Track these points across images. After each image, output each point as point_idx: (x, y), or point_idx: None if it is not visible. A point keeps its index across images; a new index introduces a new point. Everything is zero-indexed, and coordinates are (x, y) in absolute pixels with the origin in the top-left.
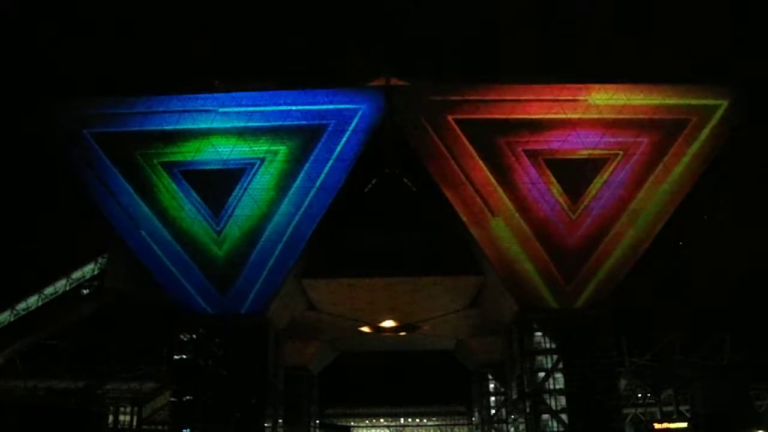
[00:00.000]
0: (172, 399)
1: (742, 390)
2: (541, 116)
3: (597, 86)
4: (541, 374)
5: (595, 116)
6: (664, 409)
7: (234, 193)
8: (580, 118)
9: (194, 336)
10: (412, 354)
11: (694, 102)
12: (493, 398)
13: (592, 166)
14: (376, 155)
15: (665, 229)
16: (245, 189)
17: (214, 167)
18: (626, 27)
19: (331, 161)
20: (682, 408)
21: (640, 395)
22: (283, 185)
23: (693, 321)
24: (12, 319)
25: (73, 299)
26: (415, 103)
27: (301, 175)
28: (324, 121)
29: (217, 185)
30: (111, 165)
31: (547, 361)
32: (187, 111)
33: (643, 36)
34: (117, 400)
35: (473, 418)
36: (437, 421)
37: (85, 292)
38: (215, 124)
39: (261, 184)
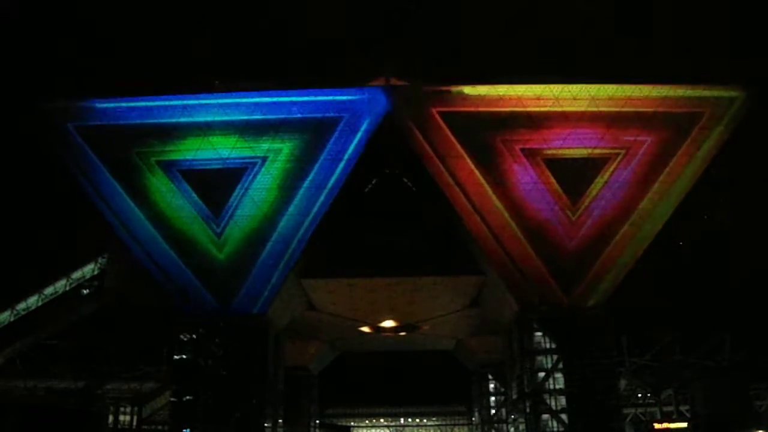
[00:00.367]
0: (172, 399)
1: (742, 390)
2: (541, 116)
3: (598, 86)
4: (541, 374)
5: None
6: (664, 409)
7: (234, 193)
8: (580, 118)
9: (194, 336)
10: (412, 354)
11: (703, 100)
12: (493, 398)
13: (593, 165)
14: (376, 155)
15: (665, 229)
16: (245, 189)
17: (214, 167)
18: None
19: (331, 161)
20: (682, 408)
21: (640, 395)
22: (283, 185)
23: (693, 321)
24: (12, 319)
25: (73, 299)
26: (415, 103)
27: (301, 175)
28: (324, 121)
29: (216, 185)
30: (108, 164)
31: (547, 361)
32: (187, 110)
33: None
34: (117, 400)
35: (473, 418)
36: (437, 421)
37: (85, 292)
38: (215, 124)
39: (261, 184)
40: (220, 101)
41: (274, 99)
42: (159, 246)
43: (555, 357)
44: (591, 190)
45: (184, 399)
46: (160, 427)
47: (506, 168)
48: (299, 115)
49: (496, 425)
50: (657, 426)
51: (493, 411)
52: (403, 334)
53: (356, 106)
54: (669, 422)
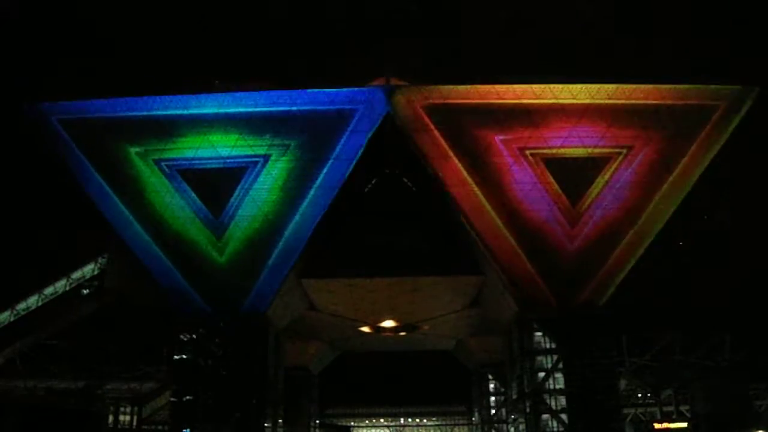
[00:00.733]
0: (172, 399)
1: (742, 390)
2: (541, 116)
3: (598, 85)
4: (541, 374)
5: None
6: (664, 409)
7: (234, 194)
8: (580, 118)
9: (194, 336)
10: (412, 354)
11: (704, 100)
12: (493, 398)
13: (593, 165)
14: (376, 155)
15: (665, 228)
16: (245, 189)
17: (214, 166)
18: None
19: (331, 161)
20: (682, 408)
21: (640, 395)
22: (283, 185)
23: (693, 321)
24: (12, 319)
25: (73, 299)
26: (415, 103)
27: (301, 175)
28: (324, 121)
29: (216, 185)
30: (99, 162)
31: (547, 361)
32: (186, 109)
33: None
34: (117, 400)
35: (473, 418)
36: (437, 421)
37: (85, 292)
38: (214, 124)
39: (260, 184)
40: (220, 101)
41: (274, 99)
42: (157, 247)
43: (555, 357)
44: (592, 190)
45: (184, 399)
46: (160, 427)
47: (506, 168)
48: (299, 115)
49: (496, 425)
50: (657, 426)
51: (493, 411)
52: (403, 334)
53: (356, 106)
54: (669, 422)
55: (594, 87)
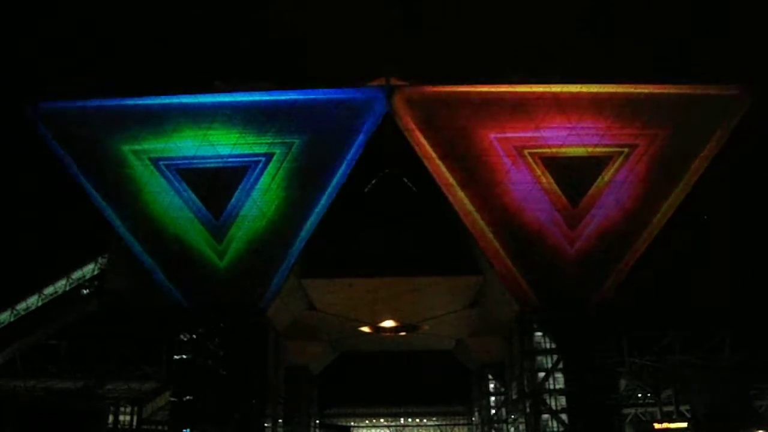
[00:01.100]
0: (172, 399)
1: (742, 390)
2: (541, 115)
3: (598, 85)
4: (541, 374)
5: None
6: (664, 409)
7: (235, 194)
8: (581, 117)
9: (194, 336)
10: (412, 354)
11: (704, 99)
12: (493, 398)
13: (594, 165)
14: (376, 155)
15: (665, 228)
16: (246, 189)
17: (213, 166)
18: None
19: (331, 161)
20: (682, 408)
21: (640, 395)
22: (282, 185)
23: (693, 321)
24: (12, 319)
25: (73, 299)
26: (415, 103)
27: (301, 174)
28: (324, 121)
29: (215, 184)
30: (102, 162)
31: (547, 361)
32: (185, 109)
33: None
34: (117, 400)
35: (473, 418)
36: (437, 421)
37: (85, 292)
38: (214, 123)
39: (260, 183)
40: (220, 100)
41: (274, 98)
42: (156, 247)
43: (555, 357)
44: (592, 189)
45: (184, 399)
46: (160, 427)
47: (506, 168)
48: (299, 115)
49: (496, 425)
50: (657, 426)
51: (493, 411)
52: (403, 334)
53: (356, 106)
54: (669, 422)
55: (594, 86)
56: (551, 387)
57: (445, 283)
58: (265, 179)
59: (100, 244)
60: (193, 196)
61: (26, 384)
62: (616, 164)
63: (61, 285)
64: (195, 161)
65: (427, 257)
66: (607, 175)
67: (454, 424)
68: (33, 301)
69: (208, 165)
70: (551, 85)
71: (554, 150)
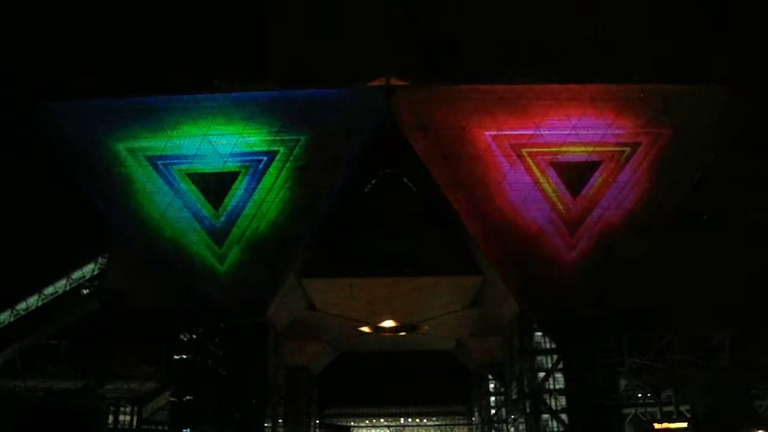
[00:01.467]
0: (172, 399)
1: (742, 390)
2: (541, 116)
3: (598, 85)
4: (541, 374)
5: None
6: (664, 409)
7: (232, 194)
8: (581, 118)
9: (194, 336)
10: (412, 354)
11: (704, 99)
12: (493, 398)
13: (594, 165)
14: (376, 155)
15: (665, 228)
16: (244, 189)
17: (213, 166)
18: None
19: (331, 161)
20: (682, 408)
21: (640, 395)
22: (282, 185)
23: (693, 321)
24: (12, 319)
25: (73, 299)
26: (415, 103)
27: (301, 174)
28: (324, 122)
29: (215, 184)
30: (99, 162)
31: (547, 361)
32: (185, 108)
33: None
34: (117, 400)
35: (473, 418)
36: (437, 421)
37: (85, 292)
38: (213, 123)
39: (261, 184)
40: (219, 100)
41: (275, 98)
42: (156, 248)
43: (555, 357)
44: (592, 190)
45: (184, 399)
46: (160, 427)
47: (506, 168)
48: (298, 116)
49: (496, 425)
50: (657, 426)
51: (493, 411)
52: (403, 334)
53: (356, 106)
54: (669, 422)
55: (594, 87)
56: (551, 387)
57: (445, 283)
58: (262, 179)
59: (100, 244)
60: (192, 195)
61: (26, 384)
62: (617, 164)
63: (61, 285)
64: (194, 161)
65: (427, 257)
66: (608, 175)
67: (454, 424)
68: (33, 301)
69: (207, 164)
70: (552, 85)
71: (554, 149)
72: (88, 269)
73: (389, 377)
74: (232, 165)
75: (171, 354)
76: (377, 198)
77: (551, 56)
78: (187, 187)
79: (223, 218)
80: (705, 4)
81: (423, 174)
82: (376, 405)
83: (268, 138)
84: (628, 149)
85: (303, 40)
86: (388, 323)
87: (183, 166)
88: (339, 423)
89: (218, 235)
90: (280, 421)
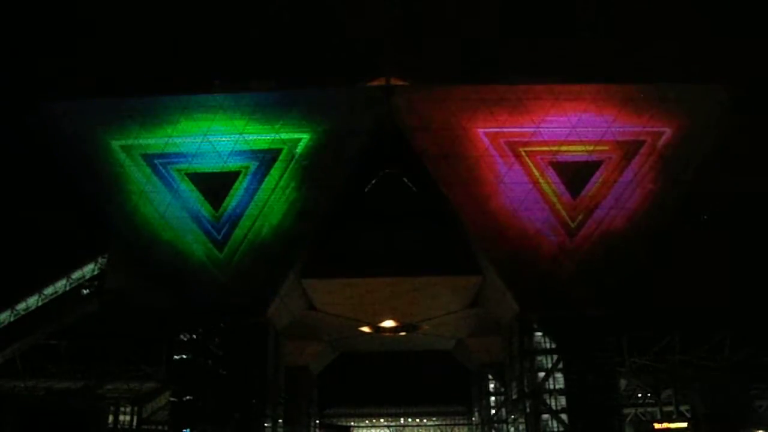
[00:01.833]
0: (172, 399)
1: (742, 390)
2: (541, 116)
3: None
4: (541, 374)
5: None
6: (664, 409)
7: (232, 193)
8: (581, 118)
9: (194, 336)
10: (412, 354)
11: (704, 99)
12: (493, 398)
13: (594, 165)
14: (376, 155)
15: (665, 228)
16: (244, 189)
17: (212, 165)
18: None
19: (331, 161)
20: (682, 408)
21: (640, 395)
22: (282, 185)
23: (693, 321)
24: (12, 319)
25: (73, 299)
26: (415, 103)
27: (301, 174)
28: (324, 121)
29: (214, 184)
30: (97, 161)
31: (547, 361)
32: (184, 108)
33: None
34: (117, 400)
35: (473, 418)
36: (437, 421)
37: (85, 292)
38: (213, 123)
39: (261, 184)
40: (219, 100)
41: (274, 98)
42: (155, 248)
43: (555, 357)
44: (592, 190)
45: (184, 399)
46: (160, 427)
47: (506, 168)
48: (298, 116)
49: (496, 425)
50: (657, 426)
51: (493, 411)
52: (403, 334)
53: (356, 106)
54: (669, 422)
55: (595, 87)
56: (551, 387)
57: (445, 283)
58: (262, 178)
59: (100, 244)
60: (192, 195)
61: (26, 384)
62: (617, 164)
63: (61, 285)
64: (194, 160)
65: (427, 257)
66: (608, 175)
67: (454, 424)
68: (33, 301)
69: (207, 164)
70: (552, 85)
71: (554, 149)
72: (88, 269)
73: (389, 377)
74: (232, 164)
75: (171, 354)
76: (377, 198)
77: (551, 56)
78: (187, 187)
79: (222, 216)
80: (705, 4)
81: (423, 174)
82: (376, 405)
83: (268, 137)
84: (628, 148)
85: (303, 40)
86: (388, 323)
87: (182, 166)
88: (339, 423)
89: (218, 235)
90: (280, 421)
